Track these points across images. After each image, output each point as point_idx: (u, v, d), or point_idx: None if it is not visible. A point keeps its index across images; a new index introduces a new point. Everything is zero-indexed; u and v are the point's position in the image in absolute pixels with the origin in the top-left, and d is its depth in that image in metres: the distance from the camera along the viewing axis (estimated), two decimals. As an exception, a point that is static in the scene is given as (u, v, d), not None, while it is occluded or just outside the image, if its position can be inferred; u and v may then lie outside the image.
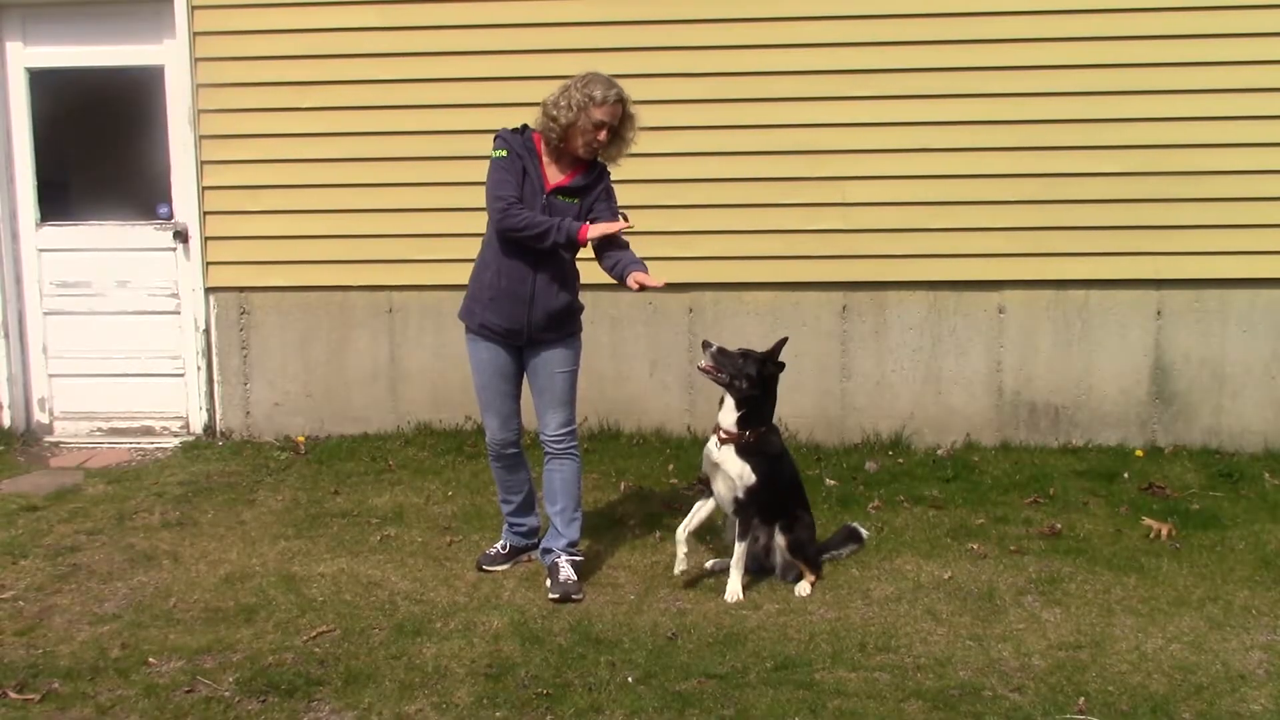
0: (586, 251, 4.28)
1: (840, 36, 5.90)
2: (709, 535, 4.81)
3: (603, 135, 4.17)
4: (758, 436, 4.24)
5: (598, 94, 4.11)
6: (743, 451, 4.22)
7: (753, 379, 4.18)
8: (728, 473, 4.24)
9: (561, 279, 4.27)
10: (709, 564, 4.56)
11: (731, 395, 4.22)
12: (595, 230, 4.16)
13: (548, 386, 4.35)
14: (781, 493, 4.37)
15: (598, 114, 4.12)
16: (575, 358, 4.39)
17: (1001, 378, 6.16)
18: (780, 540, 4.40)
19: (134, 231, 6.40)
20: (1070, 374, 6.12)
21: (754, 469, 4.21)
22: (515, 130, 4.30)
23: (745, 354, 4.22)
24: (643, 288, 4.08)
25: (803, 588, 4.33)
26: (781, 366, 4.27)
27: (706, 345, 4.22)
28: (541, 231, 4.16)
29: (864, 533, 4.76)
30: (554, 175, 4.26)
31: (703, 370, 4.22)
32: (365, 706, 3.45)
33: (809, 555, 4.40)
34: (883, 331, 6.16)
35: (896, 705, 3.43)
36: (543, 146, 4.27)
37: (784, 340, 4.29)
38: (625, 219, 4.25)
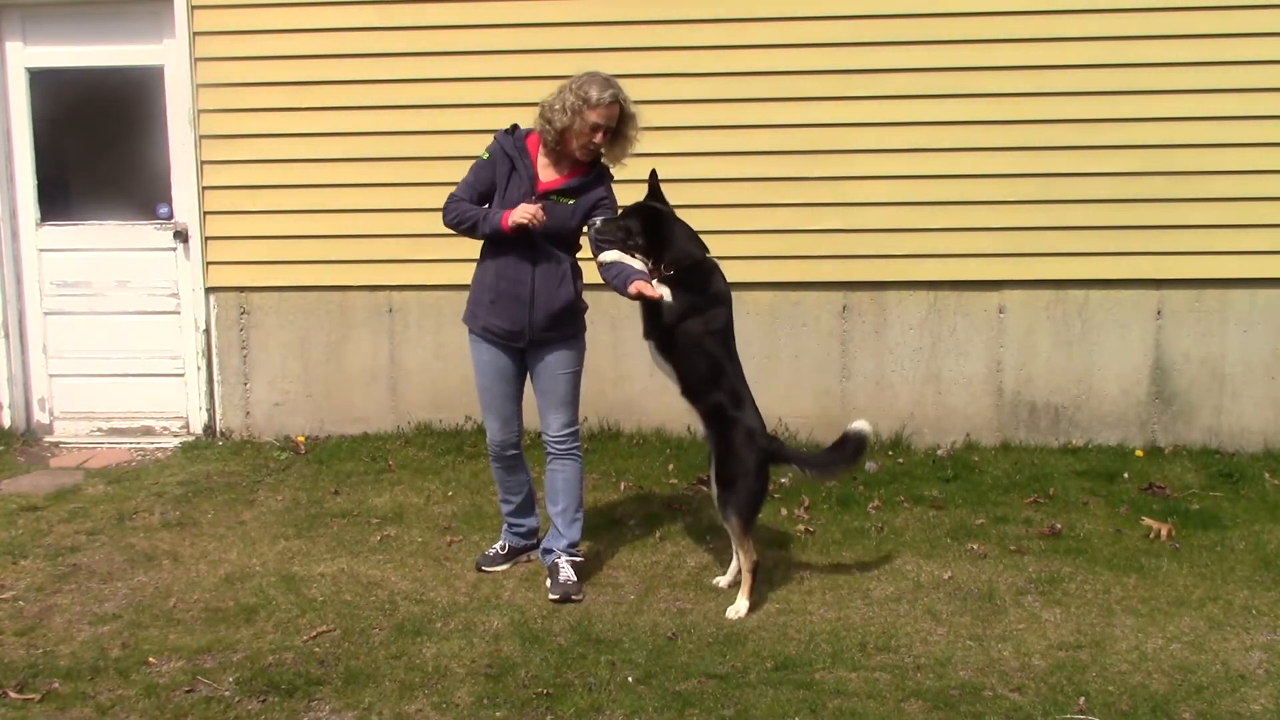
0: (587, 250, 4.28)
1: (840, 36, 5.90)
2: (709, 535, 4.81)
3: (599, 138, 4.13)
4: (677, 268, 4.08)
5: (593, 95, 4.06)
6: (666, 280, 4.09)
7: (641, 231, 4.08)
8: (662, 295, 4.05)
9: (561, 278, 4.24)
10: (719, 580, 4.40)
11: (638, 254, 4.12)
12: (511, 218, 4.07)
13: (550, 388, 4.34)
14: (705, 352, 4.09)
15: (593, 116, 4.07)
16: (579, 359, 4.38)
17: (1001, 378, 6.16)
18: (711, 459, 4.20)
19: (134, 231, 6.40)
20: (1070, 374, 6.12)
21: (673, 290, 4.06)
22: (507, 131, 4.28)
23: (626, 212, 4.14)
24: (640, 295, 4.01)
25: (738, 607, 4.06)
26: (663, 205, 4.11)
27: (590, 224, 4.13)
28: (471, 224, 4.19)
29: (865, 430, 4.16)
30: (548, 176, 4.23)
31: (599, 245, 4.12)
32: (365, 706, 3.45)
33: (735, 495, 4.08)
34: (883, 331, 6.16)
35: (896, 705, 3.43)
36: (540, 147, 4.25)
37: (653, 173, 4.18)
38: (537, 217, 4.08)
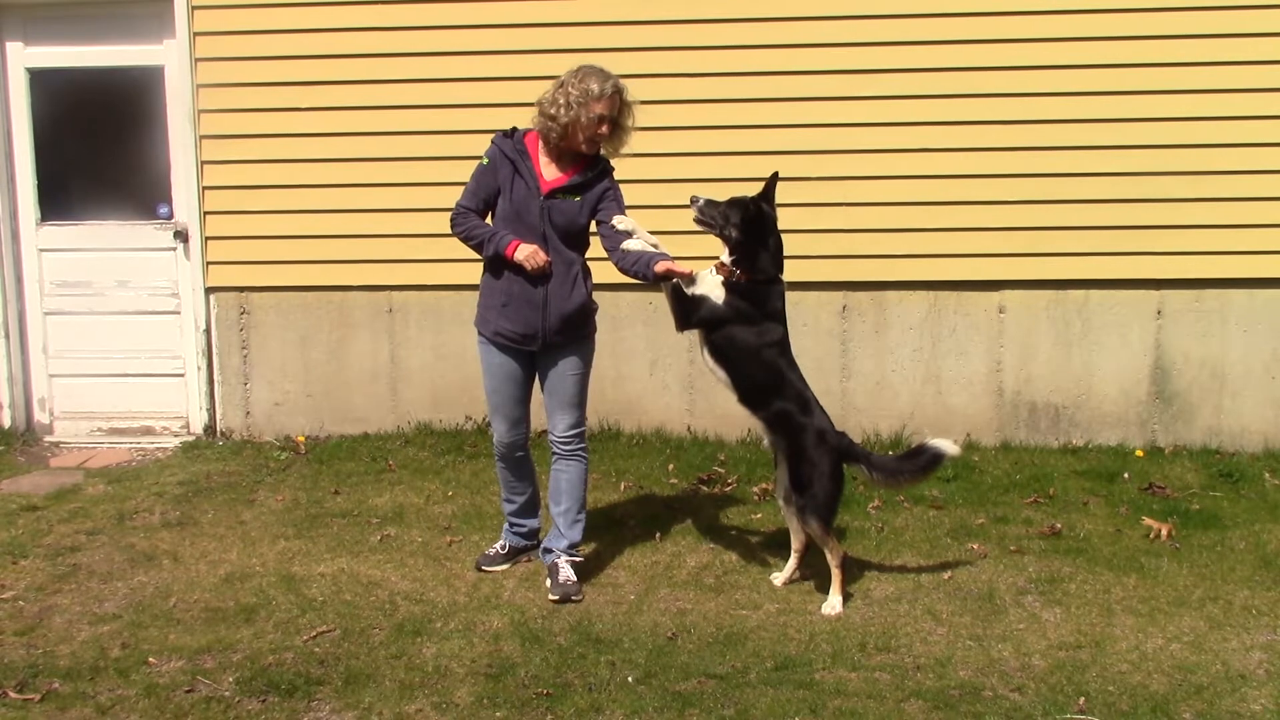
0: (596, 249, 4.27)
1: (840, 36, 5.90)
2: (709, 535, 4.81)
3: (604, 129, 4.13)
4: (749, 280, 4.09)
5: (595, 88, 4.07)
6: (727, 285, 4.10)
7: (739, 224, 4.07)
8: (705, 294, 4.10)
9: (574, 280, 4.23)
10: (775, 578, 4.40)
11: (725, 244, 4.13)
12: (518, 255, 4.11)
13: (559, 388, 4.33)
14: (762, 362, 4.13)
15: (597, 108, 4.08)
16: (588, 360, 4.37)
17: (1001, 378, 6.16)
18: (782, 465, 4.20)
19: (134, 231, 6.40)
20: (1070, 374, 6.12)
21: (727, 294, 4.08)
22: (505, 134, 4.27)
23: (732, 201, 4.12)
24: (669, 273, 4.00)
25: (832, 603, 4.09)
26: (769, 208, 4.09)
27: (694, 200, 4.14)
28: (479, 243, 4.21)
29: (944, 450, 4.16)
30: (552, 174, 4.22)
31: (697, 223, 4.14)
32: (365, 706, 3.45)
33: (813, 498, 4.08)
34: (883, 331, 6.16)
35: (896, 705, 3.43)
36: (540, 146, 4.24)
37: (775, 176, 4.13)
38: (537, 262, 4.13)
